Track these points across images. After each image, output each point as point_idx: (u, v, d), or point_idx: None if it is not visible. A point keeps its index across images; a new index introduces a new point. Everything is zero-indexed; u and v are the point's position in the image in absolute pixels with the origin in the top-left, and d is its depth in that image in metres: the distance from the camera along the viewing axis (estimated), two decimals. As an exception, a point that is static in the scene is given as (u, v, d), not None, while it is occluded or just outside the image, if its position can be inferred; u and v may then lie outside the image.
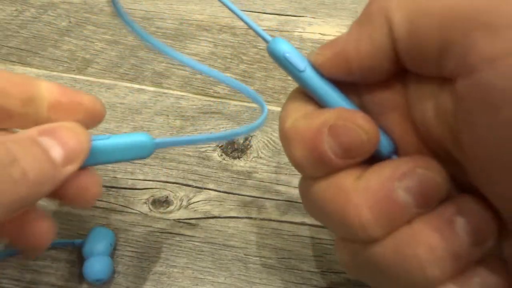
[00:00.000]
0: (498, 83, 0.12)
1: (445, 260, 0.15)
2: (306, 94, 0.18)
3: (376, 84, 0.16)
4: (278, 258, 0.26)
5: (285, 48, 0.17)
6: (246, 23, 0.19)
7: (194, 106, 0.32)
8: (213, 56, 0.35)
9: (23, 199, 0.15)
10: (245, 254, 0.26)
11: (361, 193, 0.15)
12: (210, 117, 0.31)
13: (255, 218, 0.27)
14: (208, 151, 0.30)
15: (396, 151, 0.17)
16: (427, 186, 0.15)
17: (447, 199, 0.16)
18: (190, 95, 0.33)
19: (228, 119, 0.31)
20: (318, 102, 0.17)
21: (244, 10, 0.38)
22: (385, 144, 0.17)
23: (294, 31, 0.37)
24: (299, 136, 0.16)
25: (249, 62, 0.35)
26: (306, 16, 0.38)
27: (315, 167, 0.16)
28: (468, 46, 0.13)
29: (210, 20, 0.37)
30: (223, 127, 0.31)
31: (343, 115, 0.16)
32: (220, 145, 0.30)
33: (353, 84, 0.17)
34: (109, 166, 0.29)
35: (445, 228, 0.15)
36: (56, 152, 0.16)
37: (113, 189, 0.28)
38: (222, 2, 0.19)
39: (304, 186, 0.18)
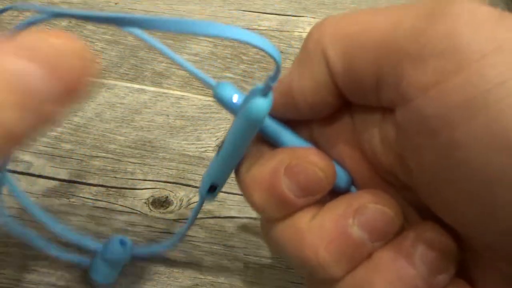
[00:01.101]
0: (432, 111, 0.13)
1: None
2: (257, 136, 0.17)
3: (324, 118, 0.17)
4: (278, 258, 0.26)
5: (232, 92, 0.16)
6: (186, 69, 0.17)
7: (194, 106, 0.32)
8: (213, 56, 0.35)
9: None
10: (245, 254, 0.26)
11: (316, 233, 0.15)
12: (210, 117, 0.31)
13: (255, 218, 0.27)
14: (208, 151, 0.30)
15: (353, 183, 0.17)
16: (380, 220, 0.15)
17: (408, 226, 0.16)
18: (190, 95, 0.33)
19: (228, 119, 0.31)
20: (271, 143, 0.17)
21: (244, 10, 0.38)
22: (341, 177, 0.17)
23: (294, 31, 0.37)
24: (256, 182, 0.16)
25: (249, 62, 0.35)
26: (306, 16, 0.38)
27: (276, 209, 0.16)
28: (400, 77, 0.13)
29: (210, 20, 0.37)
30: (223, 127, 0.31)
31: (297, 154, 0.16)
32: (220, 145, 0.30)
33: (302, 120, 0.17)
34: (109, 166, 0.29)
35: (404, 264, 0.15)
36: (39, 83, 0.11)
37: (113, 189, 0.28)
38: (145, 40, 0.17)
39: (264, 228, 0.18)
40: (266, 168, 0.16)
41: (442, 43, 0.13)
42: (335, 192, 0.17)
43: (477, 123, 0.12)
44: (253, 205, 0.17)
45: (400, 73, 0.13)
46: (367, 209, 0.15)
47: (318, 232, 0.15)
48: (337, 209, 0.16)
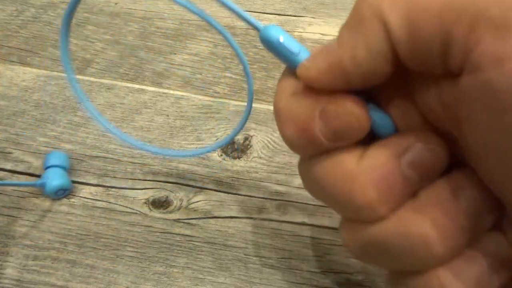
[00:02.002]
0: (506, 86, 0.12)
1: (450, 235, 0.14)
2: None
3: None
4: (278, 258, 0.26)
5: (278, 33, 0.16)
6: (235, 11, 0.18)
7: (194, 106, 0.32)
8: (213, 56, 0.35)
9: None
10: (245, 254, 0.26)
11: (366, 172, 0.15)
12: (210, 117, 0.31)
13: (255, 218, 0.27)
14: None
15: (396, 131, 0.17)
16: (429, 159, 0.15)
17: (448, 173, 0.15)
18: (190, 95, 0.33)
19: (228, 119, 0.31)
20: None
21: (244, 10, 0.38)
22: (384, 124, 0.16)
23: (294, 31, 0.37)
24: (292, 118, 0.16)
25: (249, 62, 0.35)
26: (306, 16, 0.38)
27: (307, 147, 0.16)
28: (474, 44, 0.12)
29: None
30: (223, 127, 0.31)
31: (334, 98, 0.15)
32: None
33: None
34: (109, 166, 0.29)
35: (450, 202, 0.15)
36: None
37: (113, 189, 0.28)
38: None
39: (303, 167, 0.17)
40: (303, 107, 0.16)
41: None
42: (375, 138, 0.16)
43: None
44: (285, 139, 0.17)
45: (475, 40, 0.12)
46: (416, 148, 0.15)
47: (368, 171, 0.15)
48: (386, 148, 0.15)
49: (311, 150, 0.16)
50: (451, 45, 0.13)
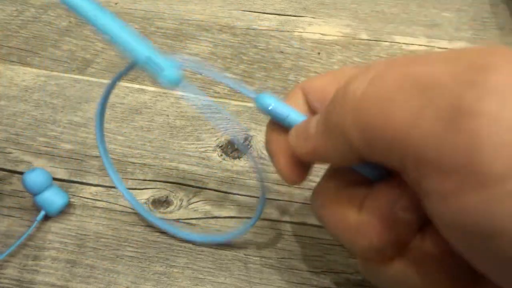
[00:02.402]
0: (449, 220, 0.13)
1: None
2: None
3: None
4: (278, 258, 0.26)
5: (269, 101, 0.20)
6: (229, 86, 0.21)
7: (194, 106, 0.32)
8: (213, 56, 0.35)
9: None
10: (245, 254, 0.26)
11: (367, 225, 0.17)
12: (210, 117, 0.31)
13: (255, 218, 0.27)
14: (208, 151, 0.30)
15: (382, 171, 0.18)
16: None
17: None
18: (190, 95, 0.33)
19: (228, 119, 0.31)
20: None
21: (244, 10, 0.38)
22: (371, 170, 0.18)
23: (294, 31, 0.37)
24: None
25: (249, 62, 0.35)
26: (306, 16, 0.38)
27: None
28: (421, 176, 0.13)
29: (210, 20, 0.37)
30: (223, 127, 0.31)
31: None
32: (220, 145, 0.30)
33: None
34: (109, 166, 0.29)
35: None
36: None
37: (113, 189, 0.28)
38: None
39: (312, 207, 0.20)
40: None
41: (462, 159, 0.12)
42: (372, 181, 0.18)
43: (490, 251, 0.12)
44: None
45: (422, 173, 0.13)
46: (405, 193, 0.16)
47: (369, 224, 0.17)
48: (379, 200, 0.17)
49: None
50: (405, 170, 0.14)
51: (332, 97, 0.16)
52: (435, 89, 0.13)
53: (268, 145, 0.21)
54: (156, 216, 0.26)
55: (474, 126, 0.12)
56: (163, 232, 0.26)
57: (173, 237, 0.26)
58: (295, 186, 0.21)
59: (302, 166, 0.20)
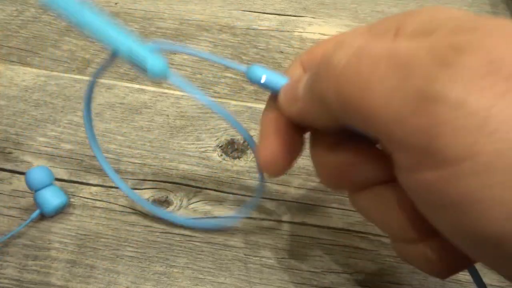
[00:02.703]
0: (410, 191, 0.15)
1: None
2: None
3: None
4: (278, 258, 0.26)
5: (260, 73, 0.19)
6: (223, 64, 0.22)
7: (194, 106, 0.32)
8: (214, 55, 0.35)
9: None
10: (245, 254, 0.26)
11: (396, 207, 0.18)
12: (210, 117, 0.31)
13: (255, 218, 0.27)
14: (208, 151, 0.30)
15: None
16: None
17: None
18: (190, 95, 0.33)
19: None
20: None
21: (244, 10, 0.38)
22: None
23: (294, 31, 0.37)
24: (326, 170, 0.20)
25: (249, 62, 0.35)
26: (306, 16, 0.38)
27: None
28: (389, 151, 0.15)
29: (210, 20, 0.37)
30: (223, 127, 0.31)
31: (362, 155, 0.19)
32: (220, 145, 0.30)
33: None
34: (109, 166, 0.29)
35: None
36: None
37: (113, 189, 0.28)
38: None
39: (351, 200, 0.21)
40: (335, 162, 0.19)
41: (422, 141, 0.13)
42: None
43: (445, 222, 0.14)
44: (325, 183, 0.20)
45: (391, 148, 0.15)
46: None
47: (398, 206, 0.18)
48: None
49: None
50: (379, 140, 0.15)
51: (318, 63, 0.17)
52: (409, 68, 0.14)
53: (261, 119, 0.20)
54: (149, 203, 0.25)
55: (439, 110, 0.13)
56: (163, 232, 0.26)
57: (173, 237, 0.26)
58: (275, 175, 0.21)
59: (290, 147, 0.20)
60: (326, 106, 0.16)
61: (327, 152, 0.19)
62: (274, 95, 0.20)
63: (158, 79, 0.19)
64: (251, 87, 0.33)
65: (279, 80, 0.19)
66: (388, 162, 0.17)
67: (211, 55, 0.22)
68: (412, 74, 0.14)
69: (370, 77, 0.15)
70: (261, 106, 0.32)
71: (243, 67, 0.20)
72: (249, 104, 0.32)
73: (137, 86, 0.33)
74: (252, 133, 0.31)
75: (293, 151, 0.20)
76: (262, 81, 0.19)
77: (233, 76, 0.34)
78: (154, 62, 0.18)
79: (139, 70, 0.18)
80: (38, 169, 0.26)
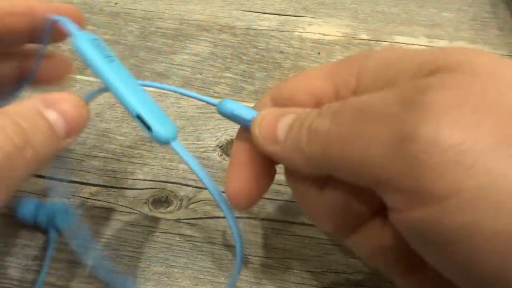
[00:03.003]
0: (403, 231, 0.15)
1: None
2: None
3: None
4: (278, 258, 0.26)
5: (231, 106, 0.20)
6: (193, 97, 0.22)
7: (194, 106, 0.32)
8: (213, 56, 0.35)
9: (30, 174, 0.17)
10: (245, 254, 0.26)
11: (323, 210, 0.19)
12: (210, 117, 0.31)
13: (255, 218, 0.27)
14: (208, 151, 0.30)
15: None
16: None
17: None
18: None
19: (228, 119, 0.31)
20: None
21: (244, 10, 0.38)
22: None
23: (294, 31, 0.37)
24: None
25: (249, 62, 0.35)
26: (306, 16, 0.38)
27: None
28: (379, 193, 0.15)
29: (210, 20, 0.37)
30: (223, 127, 0.31)
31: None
32: (220, 145, 0.30)
33: None
34: (109, 166, 0.29)
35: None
36: (60, 127, 0.18)
37: (113, 189, 0.28)
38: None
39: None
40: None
41: (407, 182, 0.14)
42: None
43: (441, 260, 0.14)
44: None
45: (379, 191, 0.15)
46: None
47: (324, 210, 0.19)
48: (337, 189, 0.18)
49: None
50: (369, 186, 0.15)
51: (295, 129, 0.17)
52: (380, 118, 0.14)
53: (232, 148, 0.21)
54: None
55: (415, 151, 0.13)
56: (163, 232, 0.26)
57: (173, 237, 0.26)
58: (243, 208, 0.21)
59: (261, 179, 0.20)
60: (314, 163, 0.17)
61: (314, 193, 0.19)
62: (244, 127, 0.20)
63: (162, 144, 0.19)
64: (251, 87, 0.33)
65: (249, 113, 0.20)
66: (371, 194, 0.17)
67: (184, 90, 0.23)
68: (383, 123, 0.14)
69: (350, 135, 0.15)
70: (261, 106, 0.32)
71: (214, 101, 0.21)
72: (249, 104, 0.32)
73: (137, 86, 0.33)
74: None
75: (264, 183, 0.21)
76: (234, 112, 0.20)
77: (233, 76, 0.34)
78: (159, 130, 0.19)
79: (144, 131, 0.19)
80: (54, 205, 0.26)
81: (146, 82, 0.21)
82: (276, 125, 0.18)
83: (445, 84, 0.14)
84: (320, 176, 0.18)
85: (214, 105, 0.21)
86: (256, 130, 0.19)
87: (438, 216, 0.13)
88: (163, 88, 0.23)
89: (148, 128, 0.19)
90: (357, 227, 0.19)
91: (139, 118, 0.19)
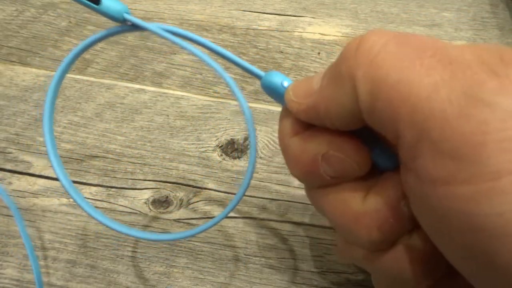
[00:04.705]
0: (432, 205, 0.13)
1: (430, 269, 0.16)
2: None
3: None
4: (278, 258, 0.26)
5: (280, 79, 0.18)
6: (236, 63, 0.19)
7: (194, 106, 0.32)
8: (213, 56, 0.35)
9: None
10: (245, 254, 0.26)
11: (370, 215, 0.16)
12: (210, 117, 0.31)
13: (255, 218, 0.27)
14: (208, 151, 0.30)
15: (395, 161, 0.17)
16: None
17: None
18: (190, 95, 0.33)
19: (228, 119, 0.31)
20: None
21: (244, 10, 0.38)
22: (385, 163, 0.17)
23: (294, 31, 0.37)
24: (296, 157, 0.17)
25: (249, 62, 0.35)
26: (306, 16, 0.38)
27: (313, 182, 0.18)
28: (416, 153, 0.13)
29: (210, 20, 0.37)
30: (223, 127, 0.31)
31: (336, 142, 0.17)
32: (220, 145, 0.30)
33: None
34: (109, 166, 0.29)
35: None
36: None
37: (113, 189, 0.28)
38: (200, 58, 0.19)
39: (311, 195, 0.19)
40: (307, 149, 0.17)
41: (463, 147, 0.12)
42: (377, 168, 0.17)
43: (465, 245, 0.13)
44: (292, 174, 0.18)
45: (419, 150, 0.13)
46: None
47: (373, 215, 0.16)
48: (387, 191, 0.16)
49: (317, 183, 0.18)
50: (400, 138, 0.14)
51: (342, 51, 0.15)
52: (459, 67, 0.13)
53: (279, 133, 0.18)
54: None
55: (486, 117, 0.12)
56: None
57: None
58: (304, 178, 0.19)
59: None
60: (351, 90, 0.14)
61: (303, 139, 0.17)
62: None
63: (114, 19, 0.18)
64: (251, 87, 0.33)
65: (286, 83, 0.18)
66: (365, 159, 0.16)
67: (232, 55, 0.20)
68: (460, 73, 0.12)
69: (413, 64, 0.13)
70: (261, 106, 0.32)
71: (260, 72, 0.19)
72: (250, 104, 0.32)
73: (137, 86, 0.33)
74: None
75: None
76: (285, 84, 0.18)
77: (233, 76, 0.34)
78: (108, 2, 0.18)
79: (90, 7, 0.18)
80: None
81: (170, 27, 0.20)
82: (312, 80, 0.17)
83: None
84: (343, 125, 0.16)
85: (259, 77, 0.18)
86: (290, 92, 0.17)
87: (484, 196, 0.11)
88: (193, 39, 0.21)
89: (96, 2, 0.17)
90: (403, 235, 0.17)
91: None
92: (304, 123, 0.17)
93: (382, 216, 0.16)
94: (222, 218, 0.20)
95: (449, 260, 0.14)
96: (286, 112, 0.18)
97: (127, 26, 0.19)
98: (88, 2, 0.17)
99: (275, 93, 0.18)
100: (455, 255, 0.14)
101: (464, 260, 0.13)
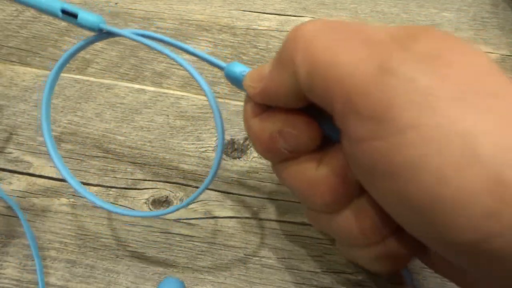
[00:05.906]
0: (360, 161, 0.16)
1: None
2: None
3: None
4: (278, 258, 0.26)
5: (240, 69, 0.20)
6: (197, 56, 0.22)
7: (194, 106, 0.32)
8: (213, 56, 0.35)
9: None
10: (245, 254, 0.26)
11: (322, 181, 0.19)
12: (210, 117, 0.31)
13: (255, 218, 0.27)
14: (208, 151, 0.30)
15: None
16: None
17: None
18: (190, 95, 0.33)
19: (228, 119, 0.31)
20: None
21: (244, 10, 0.38)
22: (334, 133, 0.19)
23: (294, 31, 0.37)
24: (257, 137, 0.20)
25: (249, 62, 0.35)
26: (306, 16, 0.38)
27: (274, 158, 0.20)
28: (346, 121, 0.16)
29: (210, 20, 0.37)
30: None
31: (289, 120, 0.19)
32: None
33: None
34: (109, 166, 0.29)
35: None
36: None
37: (113, 189, 0.28)
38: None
39: (275, 170, 0.21)
40: (264, 128, 0.20)
41: (377, 109, 0.15)
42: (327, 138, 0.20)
43: (388, 192, 0.15)
44: (258, 153, 0.21)
45: (346, 118, 0.16)
46: None
47: (324, 181, 0.19)
48: (335, 160, 0.19)
49: (278, 158, 0.20)
50: (334, 110, 0.16)
51: (284, 39, 0.18)
52: (376, 45, 0.16)
53: (246, 122, 0.21)
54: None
55: (393, 83, 0.14)
56: (163, 232, 0.26)
57: (173, 237, 0.26)
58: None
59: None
60: (292, 72, 0.17)
61: (261, 119, 0.20)
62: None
63: (91, 29, 0.21)
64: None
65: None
66: (315, 133, 0.19)
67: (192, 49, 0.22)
68: (376, 50, 0.15)
69: (341, 45, 0.16)
70: (261, 106, 0.32)
71: (222, 63, 0.21)
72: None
73: (137, 86, 0.33)
74: (252, 133, 0.31)
75: None
76: (244, 73, 0.20)
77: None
78: (85, 15, 0.20)
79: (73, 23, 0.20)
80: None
81: (140, 31, 0.22)
82: (263, 66, 0.19)
83: (431, 37, 0.15)
84: (293, 103, 0.18)
85: (222, 68, 0.21)
86: (247, 78, 0.19)
87: (396, 146, 0.14)
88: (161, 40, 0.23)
89: (75, 16, 0.20)
90: (353, 199, 0.19)
91: (65, 12, 0.20)
92: (262, 105, 0.20)
93: (332, 181, 0.19)
94: (196, 197, 0.22)
95: (387, 212, 0.17)
96: (248, 98, 0.20)
97: (103, 34, 0.22)
98: (67, 17, 0.20)
99: (237, 81, 0.20)
100: (387, 205, 0.16)
101: (394, 208, 0.16)
